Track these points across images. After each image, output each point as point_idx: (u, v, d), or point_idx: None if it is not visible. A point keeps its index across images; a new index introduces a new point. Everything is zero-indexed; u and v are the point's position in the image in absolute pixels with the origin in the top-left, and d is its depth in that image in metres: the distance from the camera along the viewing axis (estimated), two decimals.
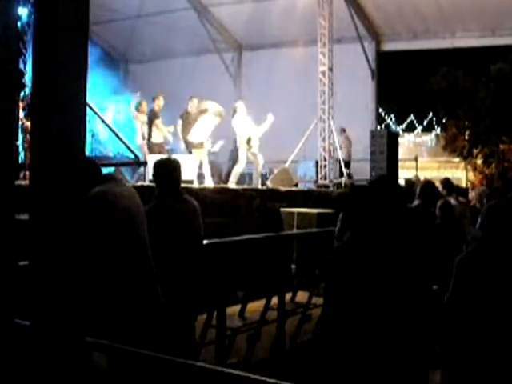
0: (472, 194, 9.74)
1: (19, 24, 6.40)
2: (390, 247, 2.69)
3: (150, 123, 11.38)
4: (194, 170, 10.62)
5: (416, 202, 6.12)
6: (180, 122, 11.24)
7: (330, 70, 15.10)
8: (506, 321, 2.95)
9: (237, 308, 6.25)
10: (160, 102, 11.52)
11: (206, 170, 10.90)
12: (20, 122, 7.74)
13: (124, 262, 3.53)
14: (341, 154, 15.12)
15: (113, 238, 3.52)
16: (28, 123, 7.62)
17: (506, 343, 2.93)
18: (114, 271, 3.49)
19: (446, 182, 7.85)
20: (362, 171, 14.75)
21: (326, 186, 14.53)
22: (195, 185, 10.08)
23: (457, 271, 3.10)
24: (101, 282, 3.45)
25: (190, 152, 10.93)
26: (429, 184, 6.44)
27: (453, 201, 7.00)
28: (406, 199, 3.32)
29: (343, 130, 15.48)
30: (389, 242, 2.70)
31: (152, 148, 11.27)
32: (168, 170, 4.36)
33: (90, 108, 9.22)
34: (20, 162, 7.79)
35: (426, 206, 5.98)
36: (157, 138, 11.39)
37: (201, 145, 10.91)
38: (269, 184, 12.45)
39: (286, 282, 6.54)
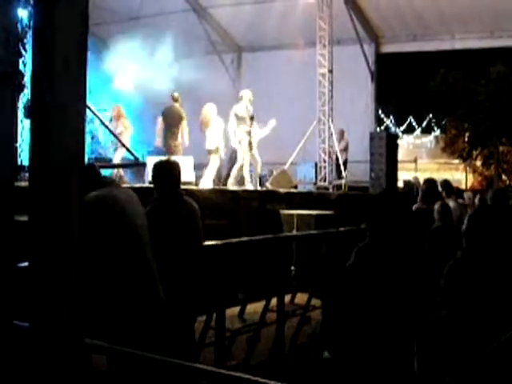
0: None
1: (19, 26, 6.39)
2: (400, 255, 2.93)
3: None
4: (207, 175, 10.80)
5: (416, 205, 6.10)
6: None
7: (330, 71, 15.10)
8: (494, 325, 2.96)
9: (236, 310, 6.25)
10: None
11: (211, 172, 11.03)
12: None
13: (123, 265, 3.53)
14: (343, 157, 15.12)
15: (112, 241, 3.52)
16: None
17: (492, 346, 2.94)
18: (113, 274, 3.49)
19: (446, 184, 7.84)
20: (362, 173, 14.76)
21: (326, 188, 14.53)
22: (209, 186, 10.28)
23: (446, 278, 3.12)
24: (101, 285, 3.45)
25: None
26: (429, 186, 6.40)
27: (452, 203, 6.99)
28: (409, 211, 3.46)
29: (342, 132, 15.48)
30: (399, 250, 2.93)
31: (175, 149, 11.38)
32: (167, 171, 4.36)
33: (90, 109, 9.22)
34: (19, 163, 7.78)
35: (427, 208, 5.94)
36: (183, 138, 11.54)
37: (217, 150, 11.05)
38: (268, 186, 12.46)
39: (285, 284, 6.53)
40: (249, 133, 11.01)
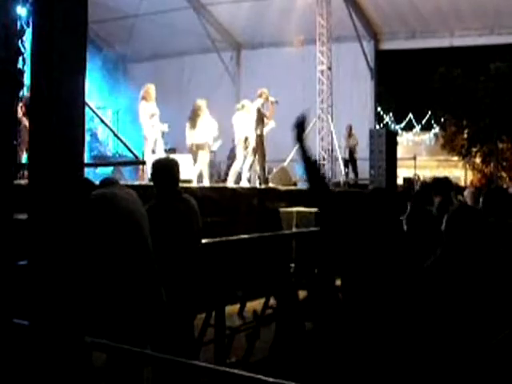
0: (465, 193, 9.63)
1: (19, 23, 6.37)
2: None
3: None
4: (194, 170, 10.70)
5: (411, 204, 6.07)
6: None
7: (329, 68, 15.11)
8: (472, 327, 2.96)
9: (236, 307, 6.24)
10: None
11: (205, 171, 10.98)
12: (21, 121, 7.71)
13: (126, 263, 3.53)
14: (354, 155, 15.11)
15: (116, 239, 3.53)
16: (27, 122, 7.58)
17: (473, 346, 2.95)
18: (116, 272, 3.49)
19: (435, 182, 7.45)
20: (361, 170, 14.76)
21: None
22: (194, 184, 10.16)
23: (425, 278, 3.11)
24: (103, 283, 3.45)
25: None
26: (425, 185, 6.37)
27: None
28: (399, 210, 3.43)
29: (350, 129, 15.41)
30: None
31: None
32: (166, 169, 4.36)
33: (89, 107, 9.20)
34: (19, 161, 7.78)
35: (421, 207, 5.90)
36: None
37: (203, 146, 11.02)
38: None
39: (284, 281, 6.53)
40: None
